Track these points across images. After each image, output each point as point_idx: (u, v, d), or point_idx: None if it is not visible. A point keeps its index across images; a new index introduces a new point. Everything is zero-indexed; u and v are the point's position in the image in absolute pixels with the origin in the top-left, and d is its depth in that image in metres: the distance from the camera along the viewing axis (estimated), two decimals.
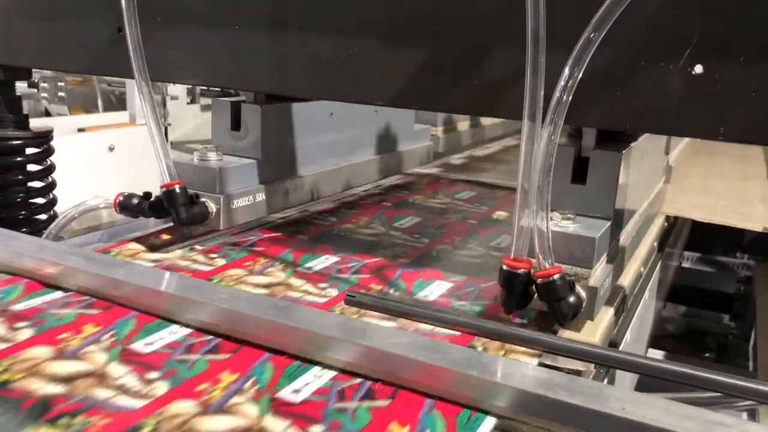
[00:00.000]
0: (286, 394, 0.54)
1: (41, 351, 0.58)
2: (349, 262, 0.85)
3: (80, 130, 2.21)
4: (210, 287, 0.70)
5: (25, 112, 1.11)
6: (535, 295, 0.66)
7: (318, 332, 0.59)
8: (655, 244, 1.13)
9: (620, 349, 0.77)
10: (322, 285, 0.78)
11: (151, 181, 0.86)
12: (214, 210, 0.86)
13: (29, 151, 1.11)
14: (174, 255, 0.84)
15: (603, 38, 0.60)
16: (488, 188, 1.35)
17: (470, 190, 1.32)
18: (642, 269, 0.97)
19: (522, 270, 0.65)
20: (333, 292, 0.76)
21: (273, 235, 0.95)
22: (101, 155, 2.15)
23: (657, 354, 1.77)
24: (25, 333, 0.61)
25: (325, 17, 0.76)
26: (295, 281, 0.78)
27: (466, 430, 0.50)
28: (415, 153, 1.37)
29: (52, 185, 1.17)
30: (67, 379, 0.54)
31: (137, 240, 0.87)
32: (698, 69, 0.60)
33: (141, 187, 0.87)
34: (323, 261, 0.86)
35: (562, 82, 0.60)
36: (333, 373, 0.57)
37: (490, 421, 0.51)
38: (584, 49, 0.60)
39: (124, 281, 0.68)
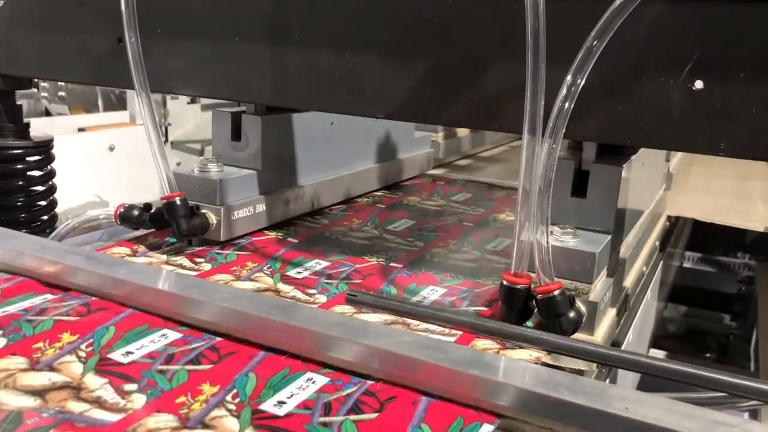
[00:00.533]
0: (269, 406, 0.53)
1: (15, 361, 0.57)
2: (340, 267, 0.84)
3: (80, 129, 2.20)
4: (211, 286, 0.70)
5: (25, 111, 1.11)
6: (535, 310, 0.66)
7: (319, 331, 0.59)
8: (657, 243, 1.13)
9: (622, 348, 0.77)
10: (311, 291, 0.77)
11: (152, 180, 0.86)
12: (215, 221, 0.86)
13: (30, 159, 1.11)
14: (158, 259, 0.83)
15: (603, 53, 0.59)
16: (486, 188, 1.34)
17: (466, 191, 1.30)
18: (644, 269, 0.97)
19: (522, 285, 0.65)
20: (322, 299, 0.75)
21: (262, 238, 0.93)
22: (101, 155, 2.14)
23: (658, 354, 1.77)
24: None
25: (325, 30, 0.76)
26: (283, 287, 0.77)
27: None
28: (415, 160, 1.37)
29: (52, 189, 1.18)
30: (41, 392, 0.53)
31: (134, 240, 0.87)
32: (698, 85, 0.60)
33: (141, 186, 0.87)
34: (314, 265, 0.85)
35: (564, 90, 0.60)
36: (319, 385, 0.56)
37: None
38: (586, 57, 0.59)
39: (124, 280, 0.68)
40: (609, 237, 0.72)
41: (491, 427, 0.51)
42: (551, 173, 0.62)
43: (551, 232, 0.66)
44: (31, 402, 0.51)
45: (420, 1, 0.70)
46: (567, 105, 0.60)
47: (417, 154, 1.37)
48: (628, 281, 0.85)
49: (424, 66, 0.71)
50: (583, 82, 0.60)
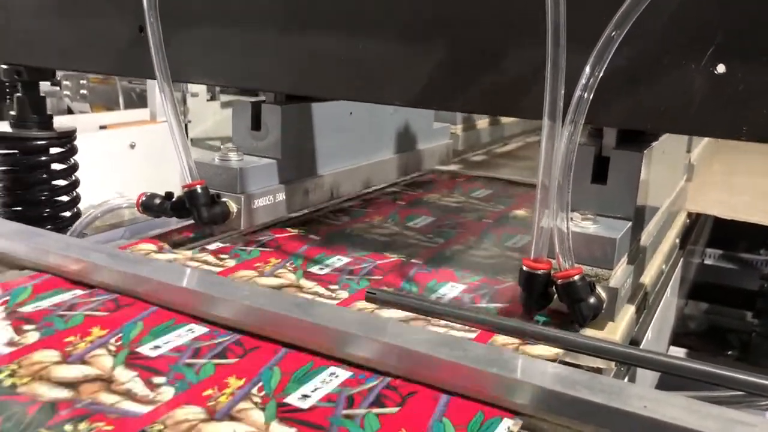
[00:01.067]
0: (294, 399, 0.53)
1: (48, 355, 0.58)
2: (361, 263, 0.85)
3: (102, 127, 2.22)
4: (232, 284, 0.70)
5: (47, 109, 1.13)
6: (555, 296, 0.66)
7: (338, 329, 0.59)
8: (677, 240, 1.12)
9: (642, 346, 0.76)
10: (333, 287, 0.77)
11: (172, 178, 0.87)
12: (235, 210, 0.86)
13: (53, 150, 1.13)
14: (184, 256, 0.84)
15: (624, 38, 0.59)
16: (506, 185, 1.34)
17: (486, 188, 1.30)
18: (664, 266, 0.96)
19: (542, 271, 0.65)
20: (344, 294, 0.75)
21: (284, 235, 0.94)
22: (123, 152, 2.16)
23: (679, 352, 1.76)
24: (32, 336, 0.61)
25: (344, 17, 0.76)
26: (306, 283, 0.78)
27: None
28: (435, 151, 1.37)
29: (75, 183, 1.19)
30: (73, 384, 0.54)
31: (158, 237, 0.88)
32: (720, 68, 0.60)
33: (162, 183, 0.87)
34: (335, 262, 0.85)
35: (583, 81, 0.60)
36: (342, 379, 0.56)
37: (503, 427, 0.51)
38: (605, 47, 0.59)
39: (147, 278, 0.69)
40: (629, 223, 0.71)
41: (511, 422, 0.51)
42: (571, 159, 0.62)
43: (571, 219, 0.65)
44: (65, 393, 0.52)
45: None
46: (586, 95, 0.60)
47: (436, 145, 1.37)
48: (648, 278, 0.84)
49: (444, 51, 0.71)
50: (601, 73, 0.60)
